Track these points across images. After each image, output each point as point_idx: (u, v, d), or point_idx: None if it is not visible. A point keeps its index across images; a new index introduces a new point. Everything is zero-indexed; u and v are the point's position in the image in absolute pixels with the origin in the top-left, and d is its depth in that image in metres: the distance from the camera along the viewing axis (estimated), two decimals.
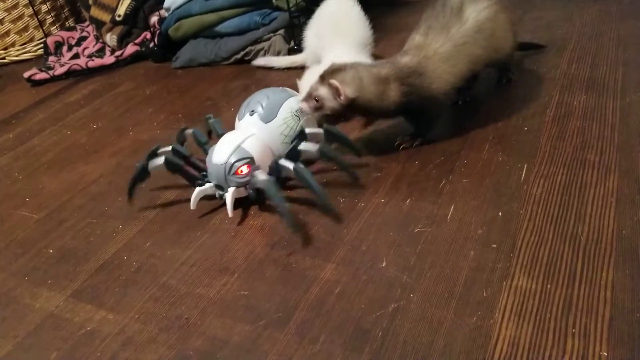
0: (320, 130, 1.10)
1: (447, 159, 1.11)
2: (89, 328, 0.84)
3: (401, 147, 1.17)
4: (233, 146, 1.05)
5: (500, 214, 0.94)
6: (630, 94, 1.22)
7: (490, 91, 1.34)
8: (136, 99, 1.76)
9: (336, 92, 1.06)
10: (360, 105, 1.08)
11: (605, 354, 0.69)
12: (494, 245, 0.88)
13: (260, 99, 1.14)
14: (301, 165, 1.00)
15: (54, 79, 2.07)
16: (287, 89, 1.19)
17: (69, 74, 2.07)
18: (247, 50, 1.87)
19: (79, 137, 1.54)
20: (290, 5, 1.79)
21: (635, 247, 0.83)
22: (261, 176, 1.01)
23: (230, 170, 1.04)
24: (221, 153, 1.05)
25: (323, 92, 1.07)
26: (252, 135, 1.08)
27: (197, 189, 1.06)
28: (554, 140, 1.11)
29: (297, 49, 1.80)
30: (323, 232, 0.98)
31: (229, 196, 1.03)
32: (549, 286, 0.79)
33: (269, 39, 1.85)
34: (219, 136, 1.13)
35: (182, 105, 1.64)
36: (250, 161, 1.05)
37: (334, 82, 1.06)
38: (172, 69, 1.97)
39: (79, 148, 1.48)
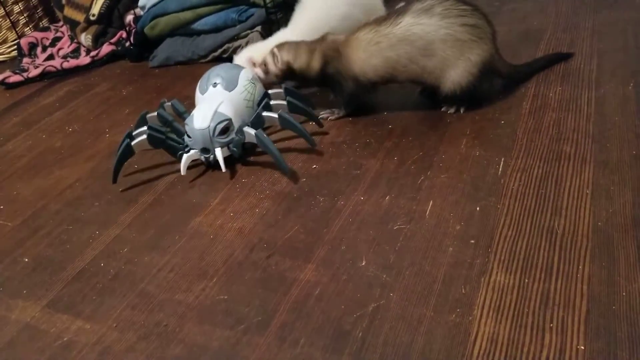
0: (283, 102, 1.25)
1: (426, 155, 1.11)
2: (65, 339, 0.83)
3: (324, 117, 1.32)
4: (211, 112, 1.17)
5: (478, 208, 0.94)
6: (604, 85, 1.23)
7: None
8: (113, 100, 1.73)
9: (274, 56, 1.28)
10: (294, 70, 1.29)
11: (583, 347, 0.69)
12: (472, 241, 0.88)
13: (218, 72, 1.27)
14: (263, 132, 1.15)
15: (28, 81, 2.03)
16: (237, 64, 1.37)
17: (43, 75, 2.03)
18: (224, 47, 1.85)
19: (54, 141, 1.52)
20: (267, 1, 1.77)
21: (611, 239, 0.84)
22: (250, 131, 1.16)
23: (214, 132, 1.15)
24: (202, 119, 1.17)
25: (268, 59, 1.30)
26: (222, 102, 1.20)
27: (185, 155, 1.17)
28: (531, 133, 1.11)
29: None
30: (303, 232, 0.98)
31: (219, 155, 1.16)
32: (526, 281, 0.80)
33: (245, 35, 1.83)
34: (181, 114, 1.29)
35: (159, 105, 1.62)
36: (229, 122, 1.18)
37: (274, 50, 1.29)
38: (149, 68, 1.94)
39: (54, 152, 1.45)
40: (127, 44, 2.05)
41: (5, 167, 1.42)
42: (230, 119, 1.18)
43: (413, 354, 0.72)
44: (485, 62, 1.17)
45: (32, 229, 1.12)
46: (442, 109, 1.25)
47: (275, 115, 1.21)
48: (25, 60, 2.18)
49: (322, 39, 1.28)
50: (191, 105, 1.52)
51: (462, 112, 1.23)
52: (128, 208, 1.13)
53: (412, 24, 1.16)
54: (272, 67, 1.30)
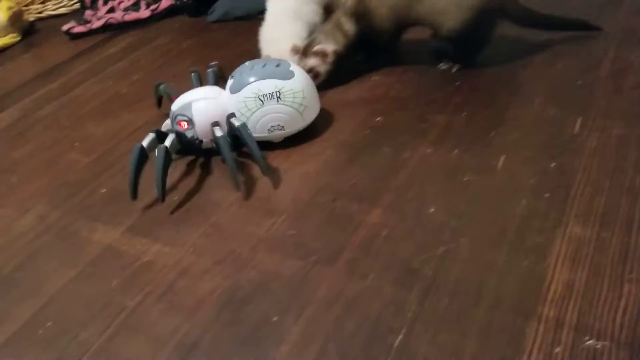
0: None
1: (497, 111, 1.10)
2: (145, 259, 0.87)
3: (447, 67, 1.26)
4: (186, 100, 1.08)
5: (553, 164, 0.93)
6: None
7: (540, 46, 1.31)
8: (173, 53, 1.76)
9: (322, 54, 1.21)
10: (342, 50, 1.24)
11: None
12: (547, 195, 0.87)
13: (245, 68, 1.11)
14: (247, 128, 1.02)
15: (91, 32, 2.08)
16: (291, 65, 1.11)
17: (105, 27, 2.07)
18: None
19: (120, 88, 1.55)
20: None
21: None
22: (218, 132, 1.03)
23: (174, 119, 1.08)
24: (177, 101, 1.10)
25: (312, 62, 1.22)
26: (210, 99, 1.09)
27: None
28: (610, 95, 1.08)
29: None
30: (368, 179, 0.99)
31: (167, 142, 1.03)
32: (604, 234, 0.79)
33: None
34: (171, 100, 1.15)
35: (218, 59, 1.63)
36: (189, 121, 1.06)
37: (317, 48, 1.21)
38: (207, 23, 1.96)
39: (121, 98, 1.49)
40: None
41: (76, 109, 1.46)
42: (190, 120, 1.06)
43: (484, 294, 0.73)
44: (484, 3, 1.14)
45: (107, 164, 1.15)
46: (440, 66, 1.26)
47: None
48: (88, 12, 2.23)
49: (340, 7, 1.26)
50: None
51: (455, 70, 1.24)
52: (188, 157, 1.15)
53: None
54: (324, 67, 1.23)
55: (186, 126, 1.08)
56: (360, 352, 0.68)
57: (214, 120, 1.06)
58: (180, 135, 1.08)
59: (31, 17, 2.21)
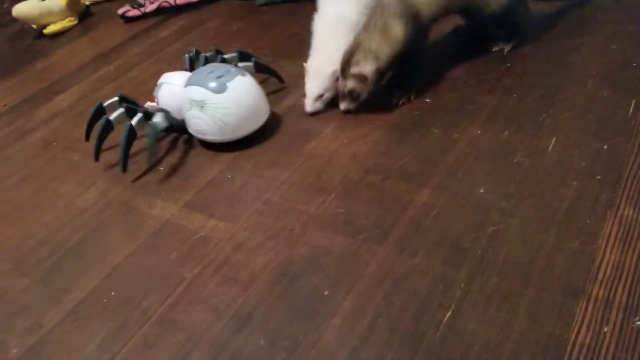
0: (249, 63, 1.25)
1: (547, 93, 1.09)
2: (202, 234, 0.92)
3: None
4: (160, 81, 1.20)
5: (605, 147, 0.92)
6: None
7: (594, 27, 1.28)
8: (224, 34, 1.80)
9: (361, 77, 1.10)
10: (384, 66, 1.12)
11: None
12: (599, 177, 0.87)
13: (203, 69, 1.14)
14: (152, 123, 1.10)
15: (145, 15, 2.14)
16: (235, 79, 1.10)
17: (159, 10, 2.13)
18: None
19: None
20: None
21: None
22: (155, 118, 1.11)
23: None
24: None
25: (352, 84, 1.11)
26: (174, 85, 1.16)
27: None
28: None
29: None
30: (417, 160, 1.00)
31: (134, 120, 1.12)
32: None
33: None
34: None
35: (268, 40, 1.67)
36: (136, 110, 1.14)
37: (354, 71, 1.09)
38: (256, 5, 1.98)
39: None
40: None
41: (133, 90, 1.52)
42: (133, 104, 1.16)
43: (533, 274, 0.74)
44: None
45: (165, 142, 1.20)
46: (493, 49, 1.25)
47: (251, 63, 1.24)
48: None
49: (378, 7, 1.13)
50: (298, 43, 1.52)
51: (509, 49, 1.23)
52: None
53: None
54: (364, 88, 1.12)
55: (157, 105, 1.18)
56: (409, 326, 0.71)
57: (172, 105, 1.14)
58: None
59: (87, 1, 2.28)
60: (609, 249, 0.75)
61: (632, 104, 1.00)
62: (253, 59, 1.27)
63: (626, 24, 1.24)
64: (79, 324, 0.81)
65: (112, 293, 0.85)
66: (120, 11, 2.13)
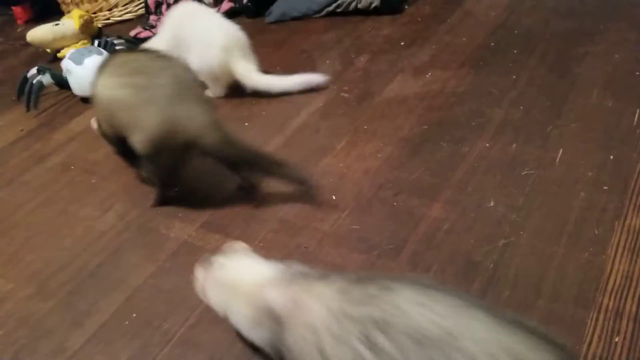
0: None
1: (553, 104, 1.10)
2: None
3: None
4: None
5: (611, 157, 0.94)
6: None
7: (596, 37, 1.29)
8: None
9: None
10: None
11: None
12: (605, 187, 0.89)
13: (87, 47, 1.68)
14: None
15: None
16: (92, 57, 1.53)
17: None
18: (339, 2, 1.89)
19: None
20: None
21: None
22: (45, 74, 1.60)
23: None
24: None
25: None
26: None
27: None
28: None
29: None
30: (428, 175, 1.02)
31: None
32: None
33: None
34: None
35: (278, 58, 1.70)
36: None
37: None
38: (265, 23, 2.02)
39: None
40: (245, 1, 2.13)
41: None
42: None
43: (545, 286, 0.76)
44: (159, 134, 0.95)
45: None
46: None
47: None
48: (152, 17, 2.34)
49: None
50: (307, 60, 1.57)
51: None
52: (261, 145, 1.21)
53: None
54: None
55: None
56: None
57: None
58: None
59: (99, 24, 2.34)
60: (617, 259, 0.77)
61: (637, 113, 1.02)
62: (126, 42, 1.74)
63: (629, 32, 1.26)
64: (102, 347, 0.84)
65: (134, 315, 0.87)
66: (132, 33, 2.18)
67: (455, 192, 0.96)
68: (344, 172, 1.09)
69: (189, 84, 0.99)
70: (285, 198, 1.04)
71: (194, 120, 0.94)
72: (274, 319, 0.64)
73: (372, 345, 0.52)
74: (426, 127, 1.15)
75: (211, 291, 0.74)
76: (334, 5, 1.89)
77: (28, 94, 1.57)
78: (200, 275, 0.77)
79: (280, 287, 0.65)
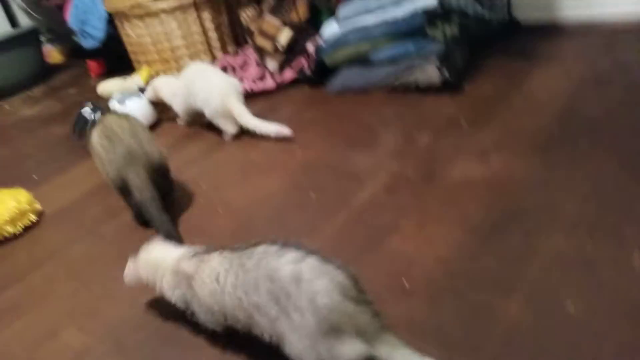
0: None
1: (625, 200, 1.10)
2: None
3: None
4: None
5: None
6: None
7: None
8: (296, 122, 1.86)
9: None
10: None
11: None
12: None
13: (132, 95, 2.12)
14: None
15: None
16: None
17: None
18: (397, 77, 1.94)
19: (252, 156, 1.69)
20: (447, 35, 1.84)
21: None
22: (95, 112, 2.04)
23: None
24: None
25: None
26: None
27: None
28: None
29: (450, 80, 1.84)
30: (501, 267, 1.02)
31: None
32: None
33: (421, 67, 1.90)
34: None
35: (341, 129, 1.74)
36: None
37: None
38: (326, 94, 2.07)
39: (254, 164, 1.63)
40: (307, 71, 2.21)
41: (217, 173, 1.62)
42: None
43: None
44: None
45: (245, 229, 1.27)
46: None
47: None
48: None
49: None
50: (370, 132, 1.61)
51: None
52: (327, 218, 1.25)
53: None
54: None
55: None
56: None
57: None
58: None
59: None
60: None
61: None
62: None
63: None
64: None
65: None
66: None
67: (531, 290, 0.95)
68: (413, 255, 1.09)
69: (138, 139, 1.40)
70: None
71: (138, 175, 1.35)
72: (187, 279, 0.95)
73: (243, 267, 0.88)
74: (494, 215, 1.16)
75: (142, 270, 1.03)
76: (393, 79, 1.94)
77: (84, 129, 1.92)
78: (131, 264, 1.06)
79: (190, 259, 0.98)
